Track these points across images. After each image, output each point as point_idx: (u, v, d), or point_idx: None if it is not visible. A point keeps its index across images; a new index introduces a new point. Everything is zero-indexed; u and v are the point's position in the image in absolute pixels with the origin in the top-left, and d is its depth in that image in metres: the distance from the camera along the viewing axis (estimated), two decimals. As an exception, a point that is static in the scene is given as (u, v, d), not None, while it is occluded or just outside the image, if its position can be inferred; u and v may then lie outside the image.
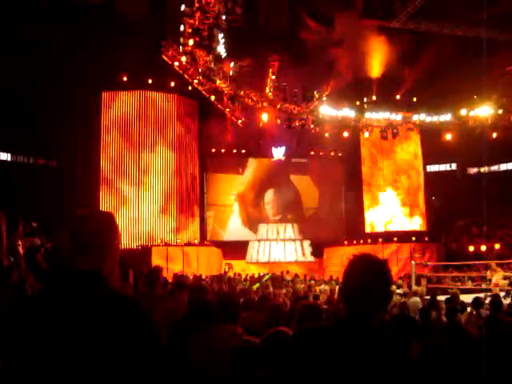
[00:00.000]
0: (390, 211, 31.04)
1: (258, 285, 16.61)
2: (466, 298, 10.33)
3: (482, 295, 11.38)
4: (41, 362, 1.73)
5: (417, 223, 31.00)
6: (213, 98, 24.68)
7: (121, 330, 1.78)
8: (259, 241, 29.27)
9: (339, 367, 1.94)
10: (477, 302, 8.76)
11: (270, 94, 25.54)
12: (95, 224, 2.03)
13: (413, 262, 19.89)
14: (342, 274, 2.18)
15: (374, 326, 2.06)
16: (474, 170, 32.71)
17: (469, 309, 9.11)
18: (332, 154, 32.16)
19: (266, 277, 18.99)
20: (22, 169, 25.84)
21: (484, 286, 18.71)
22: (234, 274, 23.17)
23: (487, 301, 9.34)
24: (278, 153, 30.39)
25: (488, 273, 18.08)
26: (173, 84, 26.66)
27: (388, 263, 2.20)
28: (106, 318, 1.78)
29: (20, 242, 7.07)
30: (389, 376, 1.91)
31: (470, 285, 19.69)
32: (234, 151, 30.84)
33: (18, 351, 1.77)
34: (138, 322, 1.84)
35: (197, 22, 20.55)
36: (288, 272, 24.10)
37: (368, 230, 30.96)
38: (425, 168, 31.97)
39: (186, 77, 24.19)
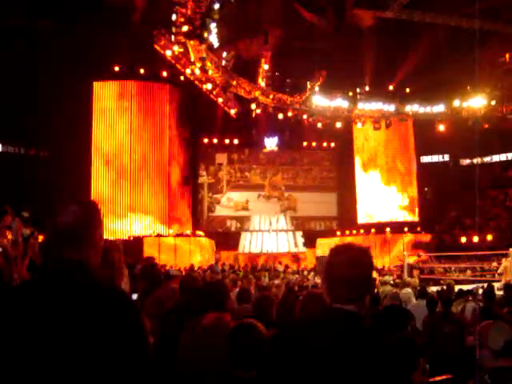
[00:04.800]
0: (383, 201, 31.12)
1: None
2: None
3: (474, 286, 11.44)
4: (18, 355, 1.69)
5: (410, 214, 31.09)
6: (205, 87, 24.57)
7: (105, 320, 1.74)
8: (251, 232, 29.29)
9: (327, 358, 1.92)
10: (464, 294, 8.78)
11: (263, 84, 25.48)
12: (77, 213, 1.98)
13: (405, 253, 19.93)
14: (325, 264, 2.16)
15: (360, 315, 2.04)
16: (466, 161, 32.78)
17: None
18: (325, 144, 32.25)
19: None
20: (12, 159, 25.69)
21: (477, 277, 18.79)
22: (223, 264, 23.25)
23: (480, 291, 9.36)
24: (271, 143, 30.37)
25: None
26: (165, 74, 26.52)
27: (369, 251, 2.19)
28: (90, 309, 1.74)
29: (8, 233, 7.00)
30: (377, 366, 1.90)
31: (462, 276, 19.77)
32: (227, 141, 30.84)
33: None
34: (124, 312, 1.81)
35: (189, 11, 20.39)
36: (280, 263, 24.20)
37: (361, 220, 31.05)
38: (418, 159, 32.05)
39: (178, 66, 24.06)
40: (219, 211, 31.14)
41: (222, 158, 31.34)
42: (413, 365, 3.37)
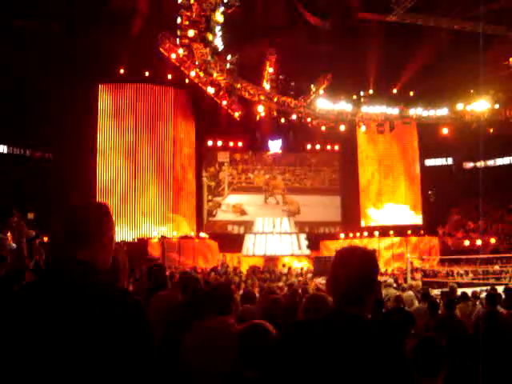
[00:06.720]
0: (386, 204, 31.09)
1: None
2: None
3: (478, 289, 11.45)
4: (23, 355, 1.70)
5: (413, 217, 31.03)
6: (209, 90, 24.62)
7: (112, 321, 1.75)
8: (255, 234, 29.23)
9: (329, 360, 1.92)
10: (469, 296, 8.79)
11: (267, 87, 25.51)
12: (88, 214, 2.00)
13: (408, 255, 19.91)
14: (330, 266, 2.18)
15: (363, 318, 2.06)
16: (470, 165, 32.75)
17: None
18: (329, 147, 32.22)
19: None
20: (18, 161, 25.74)
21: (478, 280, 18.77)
22: (227, 266, 23.19)
23: (483, 295, 9.36)
24: (275, 146, 30.39)
25: None
26: (169, 77, 26.57)
27: (375, 254, 2.19)
28: (96, 311, 1.75)
29: (10, 234, 7.04)
30: (379, 368, 1.90)
31: (466, 279, 19.75)
32: (231, 144, 30.89)
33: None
34: (131, 314, 1.81)
35: (194, 15, 20.44)
36: (284, 265, 24.16)
37: (364, 223, 31.01)
38: (421, 162, 32.01)
39: (183, 69, 24.12)
40: (220, 215, 31.12)
41: (223, 156, 31.28)
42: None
